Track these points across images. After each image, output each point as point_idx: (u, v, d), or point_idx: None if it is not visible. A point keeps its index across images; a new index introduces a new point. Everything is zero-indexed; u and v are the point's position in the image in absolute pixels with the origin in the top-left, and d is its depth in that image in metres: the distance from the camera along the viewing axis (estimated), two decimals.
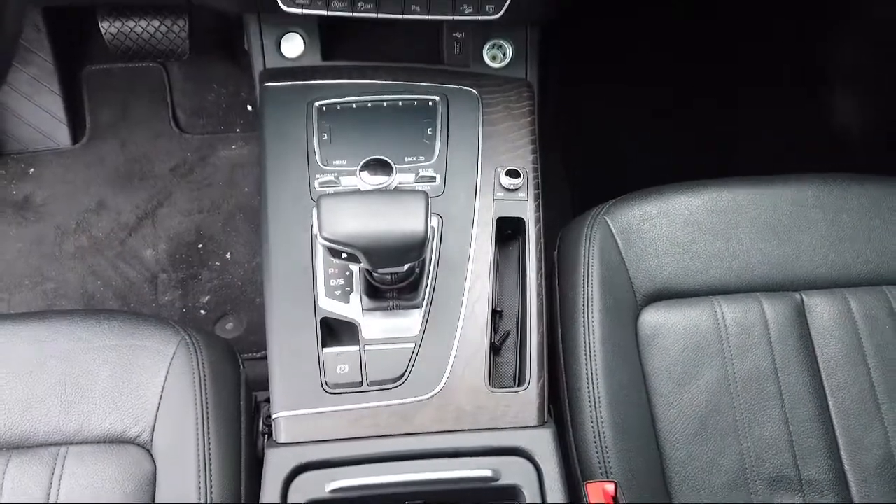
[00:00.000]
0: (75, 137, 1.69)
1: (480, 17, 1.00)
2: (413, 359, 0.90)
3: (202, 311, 1.53)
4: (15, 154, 1.66)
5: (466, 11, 1.00)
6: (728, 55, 1.71)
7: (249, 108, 1.73)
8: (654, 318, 0.94)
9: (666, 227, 0.99)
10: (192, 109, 1.73)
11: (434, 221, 0.97)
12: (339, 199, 0.82)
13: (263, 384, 0.92)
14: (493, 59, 1.12)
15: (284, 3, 1.00)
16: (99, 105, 1.71)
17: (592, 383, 0.89)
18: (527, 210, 1.00)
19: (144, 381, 0.86)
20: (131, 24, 1.52)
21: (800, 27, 1.66)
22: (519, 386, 0.91)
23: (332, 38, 1.13)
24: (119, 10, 1.49)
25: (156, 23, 1.52)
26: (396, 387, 0.88)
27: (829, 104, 1.67)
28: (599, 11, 1.46)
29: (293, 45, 1.12)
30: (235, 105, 1.73)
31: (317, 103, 1.05)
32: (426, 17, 1.00)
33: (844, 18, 1.58)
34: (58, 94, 1.68)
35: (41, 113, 1.68)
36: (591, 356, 0.90)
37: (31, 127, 1.68)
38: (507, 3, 0.99)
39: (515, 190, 1.00)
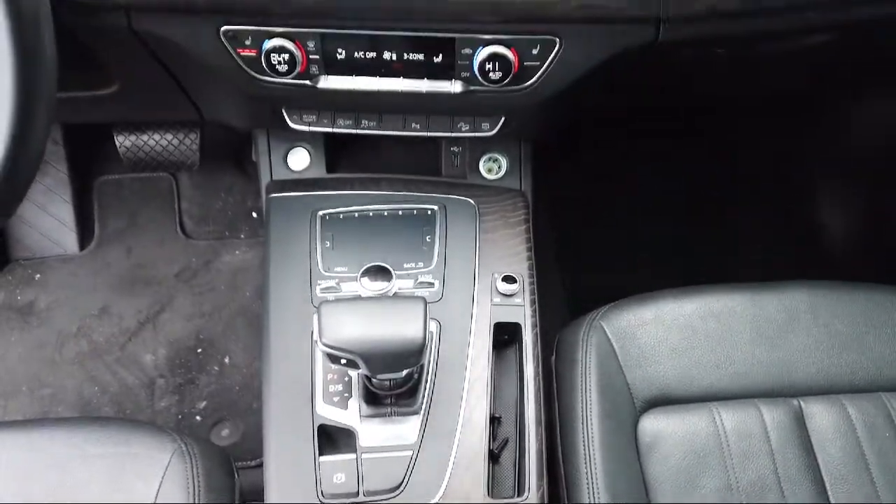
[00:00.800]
0: (83, 244, 1.73)
1: (476, 134, 1.07)
2: (411, 467, 0.89)
3: (198, 417, 1.52)
4: (23, 260, 1.70)
5: (463, 129, 1.06)
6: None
7: (255, 214, 1.79)
8: (653, 425, 0.93)
9: (662, 332, 1.00)
10: (199, 216, 1.79)
11: (432, 327, 0.98)
12: (340, 305, 0.84)
13: (258, 494, 0.90)
14: (489, 171, 1.18)
15: (292, 121, 1.06)
16: (108, 213, 1.77)
17: (593, 492, 0.87)
18: (523, 316, 1.01)
19: (138, 491, 0.85)
20: (145, 137, 1.60)
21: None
22: (518, 496, 0.89)
23: (337, 151, 1.19)
24: (135, 125, 1.57)
25: (169, 136, 1.60)
26: (394, 497, 0.86)
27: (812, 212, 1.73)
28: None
29: (299, 159, 1.18)
30: (241, 212, 1.79)
31: (320, 212, 1.09)
32: (425, 133, 1.06)
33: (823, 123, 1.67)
34: (69, 203, 1.74)
35: (51, 221, 1.73)
36: (590, 464, 0.89)
37: (40, 234, 1.73)
38: (501, 123, 1.05)
39: (512, 296, 1.03)
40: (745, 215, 1.76)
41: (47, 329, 1.60)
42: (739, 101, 1.55)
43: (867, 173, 1.63)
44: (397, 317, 0.82)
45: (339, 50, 0.94)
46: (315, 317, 0.83)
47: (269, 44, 0.92)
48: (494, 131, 1.06)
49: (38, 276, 1.68)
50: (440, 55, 0.94)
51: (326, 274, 1.04)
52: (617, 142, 1.75)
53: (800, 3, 0.88)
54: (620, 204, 1.77)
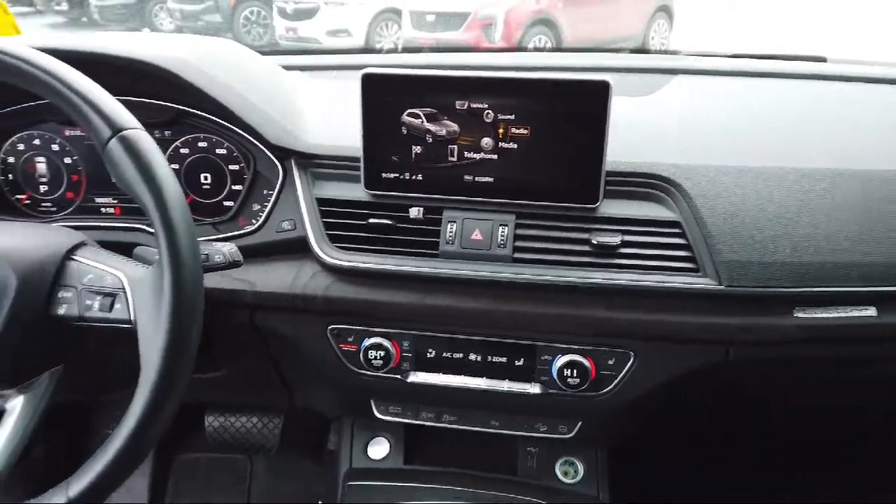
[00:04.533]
0: None
1: (553, 436, 1.10)
2: None
3: None
4: None
5: (541, 429, 1.10)
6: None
7: (320, 502, 1.77)
8: None
9: None
10: (268, 501, 1.78)
11: None
12: None
13: None
14: (565, 474, 1.18)
15: (379, 412, 1.13)
16: (181, 491, 1.79)
17: None
18: None
19: None
20: (233, 419, 1.69)
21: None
22: None
23: (415, 441, 1.23)
24: (226, 407, 1.67)
25: (254, 419, 1.69)
26: None
27: None
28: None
29: (379, 448, 1.22)
30: (308, 499, 1.77)
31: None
32: (503, 431, 1.10)
33: None
34: (146, 478, 1.78)
35: (125, 495, 1.76)
36: None
37: None
38: (579, 426, 1.09)
39: None
40: None
41: None
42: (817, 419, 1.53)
43: None
44: None
45: (430, 350, 1.04)
46: None
47: (368, 341, 1.03)
48: (571, 434, 1.09)
49: None
50: (521, 359, 1.02)
51: None
52: (698, 448, 1.71)
53: (861, 333, 0.95)
54: None
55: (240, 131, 1.06)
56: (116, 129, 0.72)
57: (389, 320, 1.03)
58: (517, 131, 0.94)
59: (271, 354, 1.16)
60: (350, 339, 1.05)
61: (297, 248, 1.03)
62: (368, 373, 1.05)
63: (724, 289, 0.92)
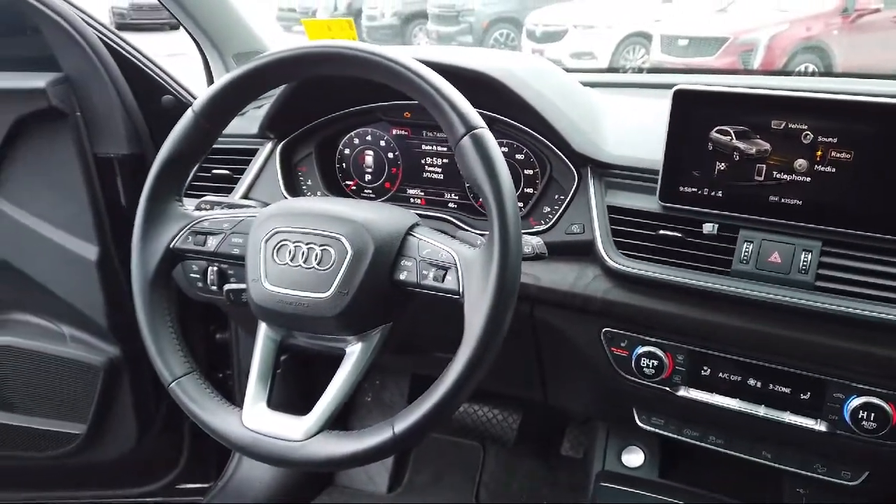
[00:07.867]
0: (391, 487, 1.91)
1: (834, 480, 1.02)
2: None
3: None
4: (343, 487, 1.92)
5: (819, 470, 1.03)
6: None
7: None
8: None
9: None
10: (495, 491, 1.87)
11: None
12: None
13: None
14: None
15: (641, 421, 1.15)
16: (420, 466, 1.95)
17: None
18: None
19: None
20: (476, 406, 1.81)
21: None
22: None
23: (672, 457, 1.23)
24: (473, 394, 1.79)
25: (496, 410, 1.79)
26: None
27: None
28: None
29: (634, 457, 1.24)
30: (535, 498, 1.83)
31: None
32: (775, 465, 1.06)
33: None
34: None
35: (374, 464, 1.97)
36: None
37: (361, 467, 1.96)
38: (866, 475, 1.00)
39: None
40: None
41: None
42: None
43: None
44: None
45: (706, 367, 1.03)
46: None
47: (641, 349, 1.06)
48: (856, 482, 1.01)
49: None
50: (807, 393, 0.98)
51: None
52: None
53: None
54: None
55: (541, 138, 1.14)
56: (469, 128, 0.83)
57: (667, 331, 1.04)
58: (838, 155, 0.91)
59: (539, 348, 1.23)
60: (623, 344, 1.08)
61: (581, 251, 1.09)
62: (637, 380, 1.07)
63: None
